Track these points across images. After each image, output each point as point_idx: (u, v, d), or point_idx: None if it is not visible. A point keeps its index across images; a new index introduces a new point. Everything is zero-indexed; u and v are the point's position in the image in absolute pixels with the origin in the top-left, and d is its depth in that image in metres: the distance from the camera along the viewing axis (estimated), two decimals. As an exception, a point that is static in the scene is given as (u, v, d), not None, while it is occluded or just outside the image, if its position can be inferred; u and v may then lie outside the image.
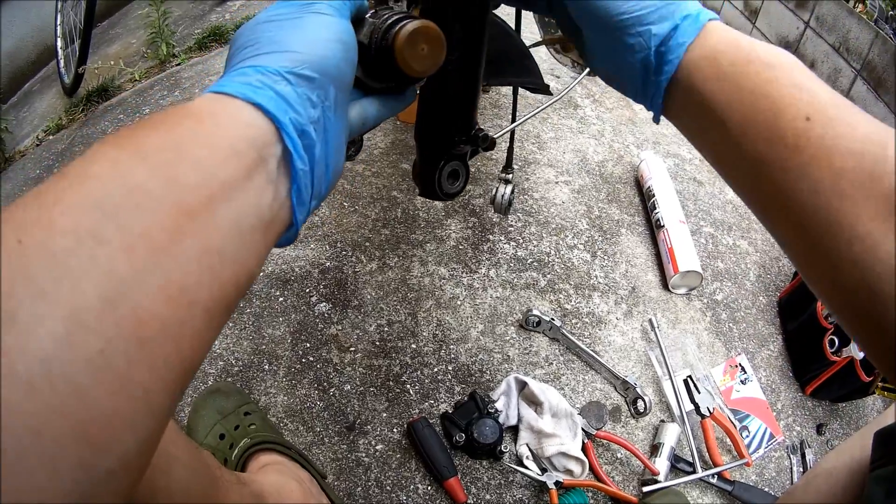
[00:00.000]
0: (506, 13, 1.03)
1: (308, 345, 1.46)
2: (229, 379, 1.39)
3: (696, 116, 0.61)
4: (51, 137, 2.23)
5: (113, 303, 0.33)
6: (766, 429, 1.51)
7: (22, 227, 0.33)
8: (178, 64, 2.41)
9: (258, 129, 0.46)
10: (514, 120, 1.38)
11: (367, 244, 1.66)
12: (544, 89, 1.34)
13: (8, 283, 0.31)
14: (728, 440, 1.44)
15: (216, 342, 1.38)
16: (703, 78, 0.58)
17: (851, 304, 0.51)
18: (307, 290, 1.55)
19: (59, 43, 2.51)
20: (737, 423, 1.49)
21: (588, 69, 1.35)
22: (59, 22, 2.53)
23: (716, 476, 1.37)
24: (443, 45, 0.63)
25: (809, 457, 1.49)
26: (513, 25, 1.29)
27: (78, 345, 0.32)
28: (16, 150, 2.25)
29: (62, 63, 2.47)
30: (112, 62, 2.46)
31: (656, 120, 0.67)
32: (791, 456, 1.49)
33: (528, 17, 1.33)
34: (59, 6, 2.54)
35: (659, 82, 0.61)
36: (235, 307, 0.45)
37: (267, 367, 1.42)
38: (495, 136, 0.89)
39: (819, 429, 1.58)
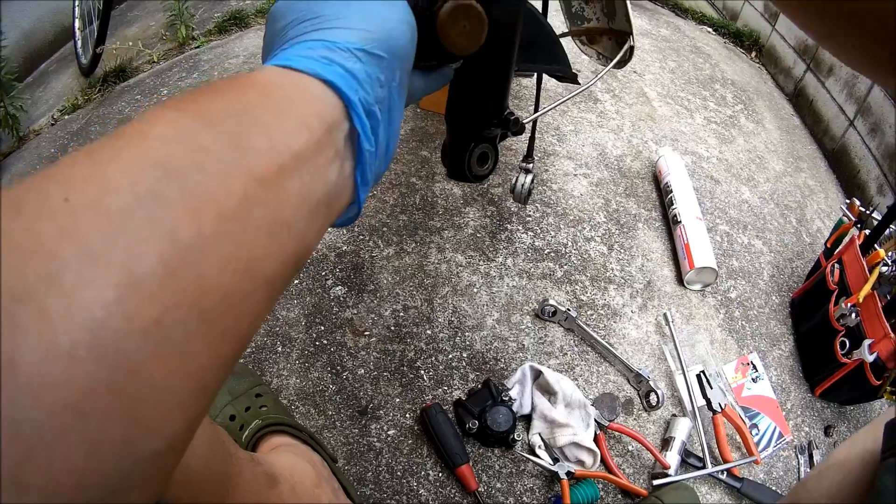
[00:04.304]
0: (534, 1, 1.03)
1: (322, 328, 1.45)
2: (241, 361, 1.37)
3: None
4: (66, 117, 2.21)
5: (174, 269, 0.30)
6: (775, 428, 1.50)
7: (70, 184, 0.30)
8: (198, 47, 2.40)
9: (327, 106, 0.44)
10: (537, 107, 1.38)
11: (385, 229, 1.65)
12: (572, 77, 1.33)
13: (52, 242, 0.27)
14: (738, 437, 1.44)
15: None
16: None
17: None
18: (323, 274, 1.54)
19: (77, 24, 2.49)
20: (747, 420, 1.49)
21: (613, 62, 1.35)
22: (77, 3, 2.52)
23: (725, 472, 1.37)
24: (484, 23, 0.62)
25: (817, 457, 1.49)
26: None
27: (132, 313, 0.28)
28: (30, 130, 2.23)
29: (80, 44, 2.45)
30: (130, 43, 2.45)
31: None
32: (799, 456, 1.49)
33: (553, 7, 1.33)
34: (78, -12, 2.53)
35: None
36: (290, 282, 0.43)
37: (280, 349, 1.41)
38: (525, 121, 0.88)
39: (827, 430, 1.57)
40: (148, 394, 0.29)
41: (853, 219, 1.70)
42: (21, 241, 0.27)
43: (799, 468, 1.47)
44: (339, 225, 0.51)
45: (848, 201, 1.76)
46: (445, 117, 0.86)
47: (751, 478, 1.39)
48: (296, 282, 1.52)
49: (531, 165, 1.42)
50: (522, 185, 1.42)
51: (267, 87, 0.42)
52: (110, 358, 0.27)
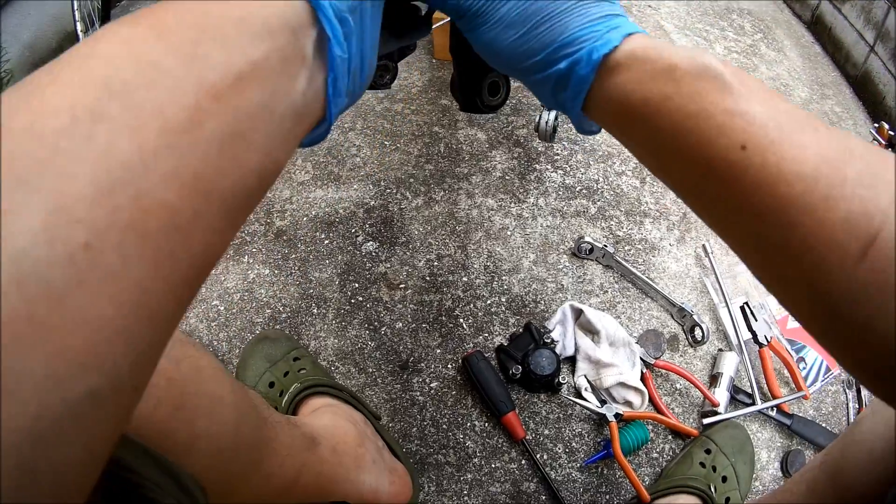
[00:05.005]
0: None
1: (356, 285, 1.40)
2: (277, 326, 1.34)
3: (623, 134, 0.54)
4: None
5: (109, 189, 0.28)
6: (822, 361, 1.41)
7: (7, 112, 0.28)
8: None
9: (293, 9, 0.39)
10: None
11: (412, 180, 1.58)
12: None
13: None
14: (785, 371, 1.36)
15: (261, 290, 1.35)
16: (613, 118, 0.52)
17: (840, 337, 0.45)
18: (353, 231, 1.48)
19: (79, 26, 2.43)
20: (794, 353, 1.40)
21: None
22: (76, 7, 2.47)
23: (775, 409, 1.29)
24: None
25: (864, 392, 1.39)
26: None
27: (58, 239, 0.26)
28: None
29: (85, 45, 2.41)
30: (138, 32, 2.39)
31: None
32: (847, 391, 1.40)
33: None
34: (75, -8, 2.48)
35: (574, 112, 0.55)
36: (257, 203, 0.40)
37: (315, 310, 1.36)
38: None
39: None
40: (76, 324, 0.26)
41: (884, 143, 1.64)
42: None
43: (847, 403, 1.39)
44: (307, 144, 0.48)
45: (877, 125, 1.68)
46: (450, 51, 0.81)
47: (800, 414, 1.32)
48: (326, 241, 1.46)
49: (554, 102, 1.35)
50: (546, 123, 1.35)
51: None
52: (31, 288, 0.25)
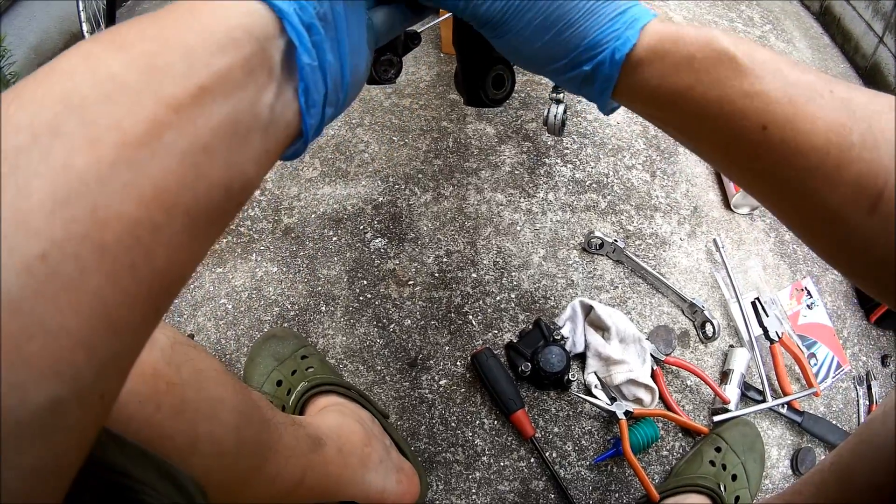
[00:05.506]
0: None
1: (365, 282, 1.37)
2: (285, 324, 1.32)
3: (651, 117, 0.60)
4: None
5: (66, 202, 0.28)
6: (833, 357, 1.38)
7: None
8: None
9: (259, 19, 0.39)
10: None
11: (420, 176, 1.55)
12: None
13: None
14: (796, 367, 1.33)
15: (269, 288, 1.33)
16: (641, 106, 0.58)
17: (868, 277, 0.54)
18: (361, 228, 1.45)
19: (85, 27, 2.42)
20: (805, 349, 1.37)
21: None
22: (81, 8, 2.45)
23: (785, 406, 1.27)
24: None
25: (875, 389, 1.37)
26: None
27: (15, 250, 0.26)
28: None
29: (92, 46, 2.40)
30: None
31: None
32: (858, 387, 1.37)
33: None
34: (79, -7, 2.46)
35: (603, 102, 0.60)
36: (230, 219, 0.40)
37: (324, 308, 1.34)
38: None
39: (884, 360, 1.44)
40: (35, 332, 0.27)
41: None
42: None
43: (858, 400, 1.36)
44: (289, 157, 0.47)
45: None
46: (453, 45, 0.78)
47: (811, 411, 1.30)
48: (334, 238, 1.44)
49: (561, 95, 1.31)
50: (555, 117, 1.32)
51: (192, 6, 0.37)
52: None
